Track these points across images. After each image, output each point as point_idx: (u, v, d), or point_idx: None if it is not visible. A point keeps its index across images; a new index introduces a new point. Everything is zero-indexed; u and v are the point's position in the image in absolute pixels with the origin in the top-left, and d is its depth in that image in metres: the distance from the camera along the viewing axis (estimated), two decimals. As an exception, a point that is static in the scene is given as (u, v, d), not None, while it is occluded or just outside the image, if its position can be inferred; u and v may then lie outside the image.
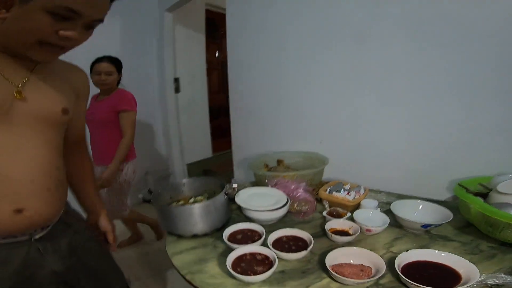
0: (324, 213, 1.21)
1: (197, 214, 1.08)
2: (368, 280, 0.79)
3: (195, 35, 3.53)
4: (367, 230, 1.07)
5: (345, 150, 1.68)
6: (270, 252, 0.92)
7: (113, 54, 2.91)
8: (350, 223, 1.11)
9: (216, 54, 3.99)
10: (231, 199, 1.24)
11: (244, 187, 1.42)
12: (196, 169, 3.53)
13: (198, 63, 3.71)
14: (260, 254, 0.93)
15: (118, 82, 2.06)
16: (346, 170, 1.66)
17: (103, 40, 2.73)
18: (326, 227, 1.08)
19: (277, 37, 1.88)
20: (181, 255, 1.02)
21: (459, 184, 1.14)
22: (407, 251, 0.87)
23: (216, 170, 3.43)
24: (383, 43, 1.43)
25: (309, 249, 0.94)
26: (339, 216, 1.19)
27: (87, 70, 2.67)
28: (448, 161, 1.32)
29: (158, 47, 3.15)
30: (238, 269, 0.86)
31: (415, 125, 1.40)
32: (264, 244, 0.98)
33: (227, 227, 1.10)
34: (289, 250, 0.96)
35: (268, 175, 1.48)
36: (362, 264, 0.86)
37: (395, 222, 1.13)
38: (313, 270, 0.89)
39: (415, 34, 1.32)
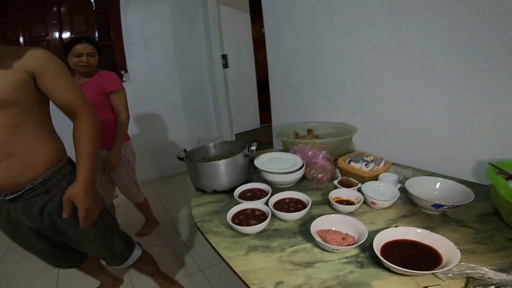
0: (335, 182, 1.20)
1: (216, 171, 1.21)
2: (346, 248, 0.80)
3: (239, 14, 3.67)
4: (372, 203, 1.04)
5: (379, 123, 1.55)
6: (267, 210, 1.00)
7: (166, 36, 3.17)
8: (357, 194, 1.09)
9: (262, 30, 3.91)
10: (251, 161, 1.33)
11: (267, 152, 1.49)
12: (244, 139, 3.75)
13: (244, 40, 3.89)
14: (259, 210, 1.02)
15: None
16: (378, 143, 1.56)
17: (156, 24, 3.01)
18: (330, 195, 1.08)
19: (311, 9, 1.75)
20: (200, 207, 1.18)
21: (491, 164, 0.97)
22: (396, 226, 0.83)
23: (263, 140, 3.57)
24: (423, 14, 1.21)
25: (303, 212, 0.98)
26: (349, 186, 1.17)
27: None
28: (490, 141, 1.11)
29: (205, 27, 3.25)
30: (236, 221, 0.98)
31: (458, 100, 1.19)
32: (267, 203, 1.06)
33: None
34: (287, 211, 1.02)
35: (291, 141, 1.50)
36: (347, 233, 0.87)
37: (409, 200, 1.06)
38: (303, 233, 0.94)
39: (459, 6, 1.09)
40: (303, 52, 1.92)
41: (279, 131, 1.72)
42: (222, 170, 1.21)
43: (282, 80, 2.22)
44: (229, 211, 1.01)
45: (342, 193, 1.11)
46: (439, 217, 0.97)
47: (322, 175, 1.28)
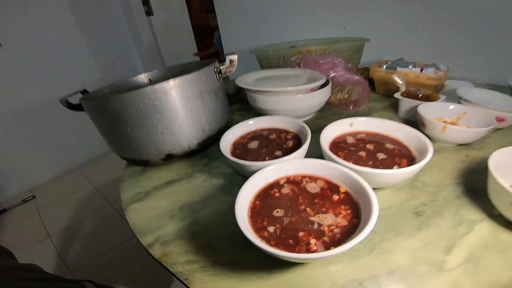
0: (398, 95, 0.63)
1: (162, 107, 0.48)
2: None
3: None
4: (499, 119, 0.51)
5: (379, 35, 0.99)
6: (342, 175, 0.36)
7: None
8: (458, 108, 0.54)
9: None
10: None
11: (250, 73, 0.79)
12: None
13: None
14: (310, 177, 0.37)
15: None
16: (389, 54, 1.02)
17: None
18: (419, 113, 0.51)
19: None
20: (144, 202, 0.47)
21: None
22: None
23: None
24: None
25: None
26: (428, 99, 0.61)
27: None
28: None
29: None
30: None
31: None
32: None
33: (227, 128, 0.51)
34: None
35: (284, 53, 0.83)
36: None
37: None
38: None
39: None
40: None
41: (253, 48, 1.01)
42: (177, 104, 0.49)
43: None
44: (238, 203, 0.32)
45: (437, 111, 0.54)
46: None
47: (358, 94, 0.69)
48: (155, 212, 0.42)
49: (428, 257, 0.31)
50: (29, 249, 1.40)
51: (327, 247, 0.27)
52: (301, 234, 0.28)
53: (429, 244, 0.33)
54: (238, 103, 0.81)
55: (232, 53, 0.58)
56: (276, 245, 0.27)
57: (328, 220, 0.29)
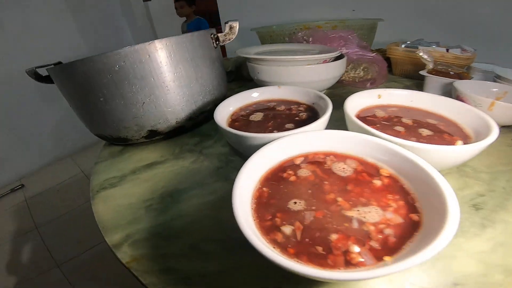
0: (424, 72, 0.52)
1: (146, 74, 0.37)
2: None
3: None
4: None
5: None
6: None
7: None
8: (498, 87, 0.44)
9: None
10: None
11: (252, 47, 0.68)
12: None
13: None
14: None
15: None
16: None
17: None
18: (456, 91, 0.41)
19: None
20: (122, 188, 0.36)
21: None
22: None
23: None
24: None
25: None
26: (459, 78, 0.51)
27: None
28: None
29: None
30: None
31: None
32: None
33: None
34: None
35: (290, 28, 0.72)
36: None
37: None
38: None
39: None
40: None
41: (255, 27, 0.90)
42: (162, 69, 0.38)
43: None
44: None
45: (472, 91, 0.44)
46: None
47: (376, 71, 0.59)
48: (128, 202, 0.32)
49: (502, 262, 0.22)
50: (15, 241, 1.30)
51: (377, 256, 0.17)
52: (334, 237, 0.18)
53: (500, 245, 0.23)
54: (238, 82, 0.70)
55: (234, 20, 0.47)
56: (297, 255, 0.17)
57: (373, 215, 0.19)
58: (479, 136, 0.29)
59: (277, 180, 0.23)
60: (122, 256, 0.25)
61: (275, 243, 0.18)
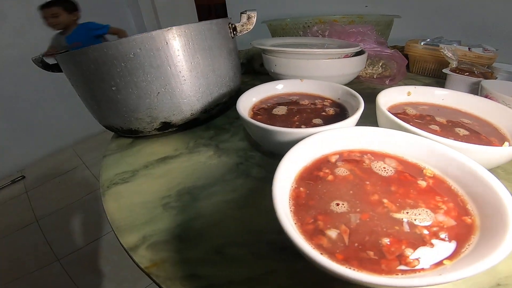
0: (447, 71, 0.50)
1: (160, 63, 0.35)
2: None
3: None
4: None
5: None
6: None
7: None
8: None
9: None
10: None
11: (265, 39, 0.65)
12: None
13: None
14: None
15: None
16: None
17: None
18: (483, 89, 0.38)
19: None
20: (131, 185, 0.34)
21: None
22: None
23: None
24: None
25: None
26: (485, 77, 0.49)
27: None
28: None
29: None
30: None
31: None
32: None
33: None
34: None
35: (304, 22, 0.70)
36: None
37: None
38: None
39: None
40: None
41: (266, 19, 0.87)
42: (180, 57, 0.36)
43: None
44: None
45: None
46: None
47: (395, 68, 0.56)
48: (143, 199, 0.29)
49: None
50: (15, 234, 1.28)
51: (436, 261, 0.15)
52: (385, 241, 0.16)
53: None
54: (249, 74, 0.68)
55: (252, 10, 0.45)
56: (347, 260, 0.15)
57: (424, 217, 0.17)
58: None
59: (313, 180, 0.21)
60: (140, 260, 0.23)
61: (321, 248, 0.16)
